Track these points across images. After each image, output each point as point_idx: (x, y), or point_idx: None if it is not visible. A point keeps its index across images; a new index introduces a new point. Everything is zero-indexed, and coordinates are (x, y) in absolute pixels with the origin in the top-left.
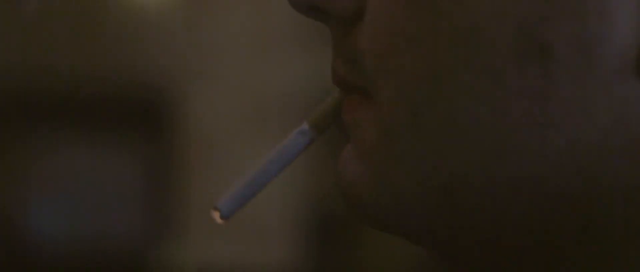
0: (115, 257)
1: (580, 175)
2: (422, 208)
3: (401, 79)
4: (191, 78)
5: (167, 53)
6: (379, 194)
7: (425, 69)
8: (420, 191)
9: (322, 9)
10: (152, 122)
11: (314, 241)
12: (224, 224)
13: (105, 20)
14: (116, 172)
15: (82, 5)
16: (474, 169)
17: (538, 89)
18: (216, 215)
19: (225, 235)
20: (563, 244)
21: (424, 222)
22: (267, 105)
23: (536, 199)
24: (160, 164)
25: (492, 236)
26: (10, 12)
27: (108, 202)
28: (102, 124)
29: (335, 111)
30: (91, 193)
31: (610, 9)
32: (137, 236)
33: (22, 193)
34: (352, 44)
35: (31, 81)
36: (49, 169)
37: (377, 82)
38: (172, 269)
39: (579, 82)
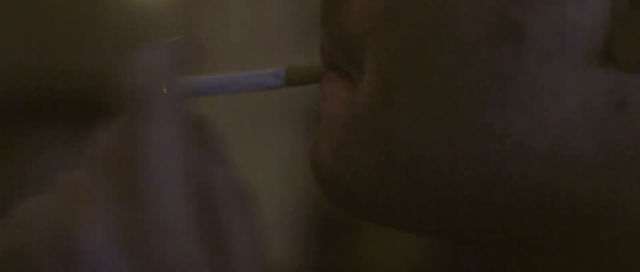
0: None
1: (542, 158)
2: (382, 186)
3: (379, 55)
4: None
5: None
6: (340, 171)
7: (401, 45)
8: (382, 167)
9: None
10: None
11: (313, 241)
12: None
13: (105, 20)
14: None
15: (81, 5)
16: (438, 146)
17: (507, 71)
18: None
19: None
20: (530, 226)
21: (382, 200)
22: (266, 105)
23: (496, 180)
24: None
25: (453, 215)
26: (10, 12)
27: None
28: (101, 124)
29: (311, 75)
30: None
31: None
32: None
33: (20, 193)
34: (338, 22)
35: (30, 81)
36: (48, 169)
37: (357, 58)
38: None
39: (549, 65)
